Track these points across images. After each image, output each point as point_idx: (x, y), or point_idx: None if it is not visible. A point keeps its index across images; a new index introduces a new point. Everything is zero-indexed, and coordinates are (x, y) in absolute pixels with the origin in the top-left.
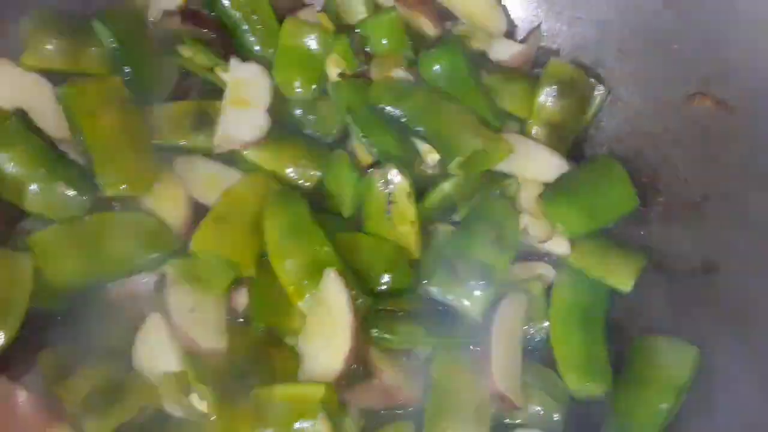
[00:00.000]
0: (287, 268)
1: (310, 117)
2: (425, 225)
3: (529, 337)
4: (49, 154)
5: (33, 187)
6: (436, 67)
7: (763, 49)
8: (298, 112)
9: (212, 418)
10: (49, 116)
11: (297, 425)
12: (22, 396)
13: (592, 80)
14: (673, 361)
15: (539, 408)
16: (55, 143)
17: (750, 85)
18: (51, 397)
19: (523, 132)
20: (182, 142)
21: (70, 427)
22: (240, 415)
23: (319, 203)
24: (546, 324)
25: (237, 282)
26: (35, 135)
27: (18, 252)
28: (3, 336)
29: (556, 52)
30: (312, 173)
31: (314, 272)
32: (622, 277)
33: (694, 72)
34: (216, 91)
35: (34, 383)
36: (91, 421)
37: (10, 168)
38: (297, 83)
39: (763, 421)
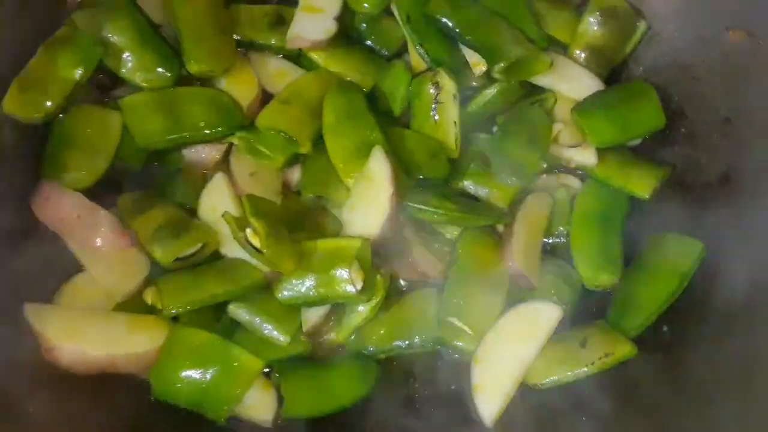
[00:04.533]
0: (340, 147)
1: (373, 31)
2: (465, 132)
3: (551, 239)
4: (147, 30)
5: (129, 56)
6: None
7: None
8: (362, 25)
9: (264, 252)
10: (149, 1)
11: (333, 272)
12: (106, 219)
13: (636, 14)
14: (679, 252)
15: (552, 291)
16: (152, 24)
17: None
18: (127, 228)
19: (566, 56)
20: (258, 39)
21: (140, 251)
22: (287, 255)
23: (372, 104)
24: (567, 229)
25: (292, 161)
26: (138, 12)
27: (110, 110)
28: (92, 174)
29: None
30: (368, 78)
31: (363, 153)
32: (642, 186)
33: (731, 7)
34: (292, 1)
35: (114, 216)
36: (158, 248)
37: (114, 38)
38: None
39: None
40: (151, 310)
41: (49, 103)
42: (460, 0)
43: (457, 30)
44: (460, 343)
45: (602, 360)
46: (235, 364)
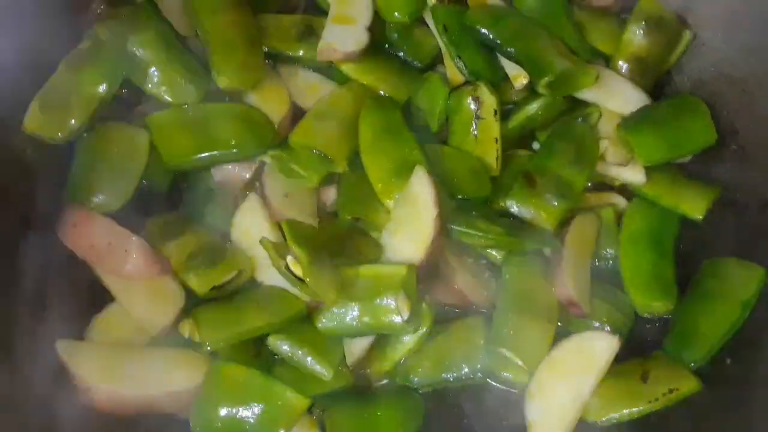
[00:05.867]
0: (378, 167)
1: (405, 41)
2: (506, 149)
3: (598, 262)
4: (173, 43)
5: (155, 71)
6: None
7: None
8: (394, 35)
9: (306, 281)
10: (175, 12)
11: (378, 301)
12: (136, 244)
13: (680, 23)
14: (740, 278)
15: (605, 319)
16: (178, 36)
17: None
18: (158, 254)
19: (609, 67)
20: (287, 51)
21: (174, 280)
22: (329, 283)
23: (407, 118)
24: (615, 251)
25: (327, 180)
26: (164, 24)
27: (138, 128)
28: (120, 197)
29: None
30: (402, 91)
31: (403, 172)
32: (694, 206)
33: None
34: (320, 11)
35: (145, 242)
36: (193, 277)
37: (139, 51)
38: (397, 7)
39: None
40: (188, 343)
41: (72, 122)
42: (499, 10)
43: (498, 41)
44: (510, 376)
45: (666, 396)
46: (279, 402)
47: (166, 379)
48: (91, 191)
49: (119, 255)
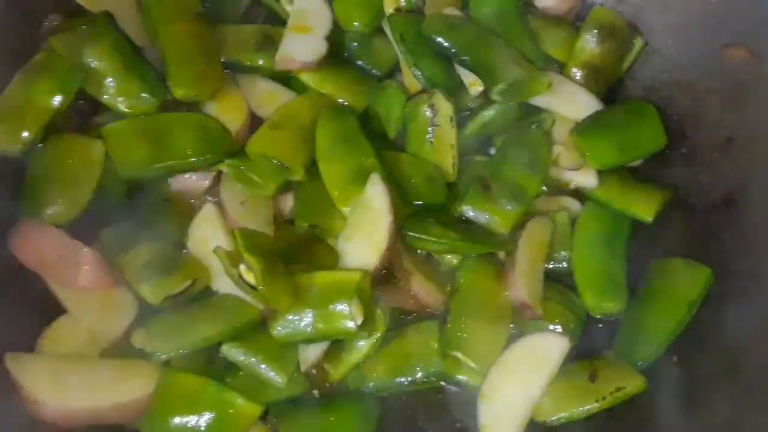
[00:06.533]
0: (334, 174)
1: (364, 50)
2: (463, 155)
3: (552, 264)
4: (129, 54)
5: (111, 82)
6: (486, 8)
7: None
8: (353, 44)
9: (259, 289)
10: (131, 23)
11: (332, 307)
12: (88, 257)
13: (632, 30)
14: (686, 279)
15: (557, 320)
16: (135, 47)
17: None
18: (111, 266)
19: (562, 74)
20: (246, 61)
21: (127, 290)
22: (283, 291)
23: (365, 126)
24: (569, 254)
25: (284, 188)
26: (120, 35)
27: (92, 139)
28: (73, 208)
29: (600, 5)
30: (361, 99)
31: (359, 179)
32: (645, 208)
33: (730, 24)
34: (280, 21)
35: (97, 253)
36: (147, 287)
37: (95, 62)
38: (356, 17)
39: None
40: (140, 354)
41: (26, 134)
42: (455, 19)
43: (453, 50)
44: (464, 378)
45: (613, 395)
46: (231, 411)
47: (117, 389)
48: (44, 203)
49: (70, 267)
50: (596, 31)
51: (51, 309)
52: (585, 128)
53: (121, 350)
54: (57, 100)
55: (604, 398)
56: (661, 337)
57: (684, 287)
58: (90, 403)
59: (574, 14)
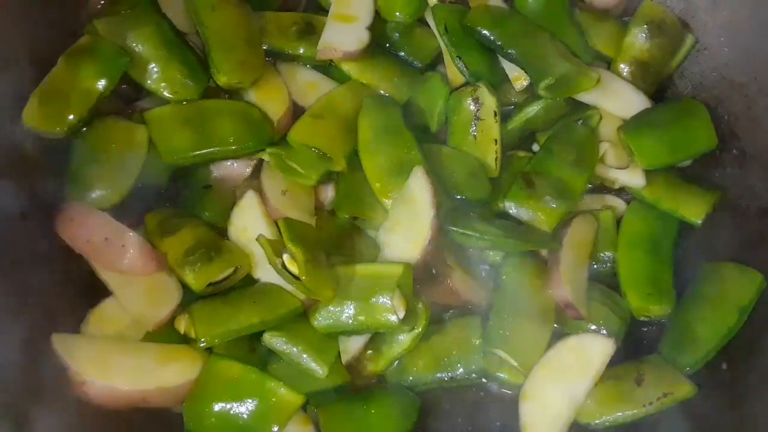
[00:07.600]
0: (376, 166)
1: (406, 41)
2: (505, 151)
3: (596, 264)
4: (173, 39)
5: (154, 67)
6: (532, 0)
7: None
8: (395, 35)
9: (302, 279)
10: (174, 8)
11: (374, 299)
12: (133, 240)
13: (683, 27)
14: (738, 284)
15: (601, 322)
16: (178, 33)
17: None
18: (155, 250)
19: (610, 70)
20: (287, 49)
21: (170, 275)
22: (325, 282)
23: (406, 118)
24: (613, 254)
25: (325, 178)
26: (162, 20)
27: (136, 124)
28: (118, 192)
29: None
30: (402, 90)
31: (401, 172)
32: (693, 210)
33: None
34: (321, 9)
35: (142, 238)
36: (189, 273)
37: (138, 47)
38: (398, 7)
39: None
40: (183, 339)
41: (71, 117)
42: (500, 11)
43: (499, 43)
44: (505, 376)
45: (660, 400)
46: (273, 399)
47: (161, 374)
48: (89, 186)
49: (116, 250)
50: (646, 26)
51: (96, 292)
52: (633, 126)
53: (164, 335)
54: (102, 84)
55: (650, 403)
56: (711, 343)
57: (736, 293)
58: (135, 385)
59: (621, 9)
